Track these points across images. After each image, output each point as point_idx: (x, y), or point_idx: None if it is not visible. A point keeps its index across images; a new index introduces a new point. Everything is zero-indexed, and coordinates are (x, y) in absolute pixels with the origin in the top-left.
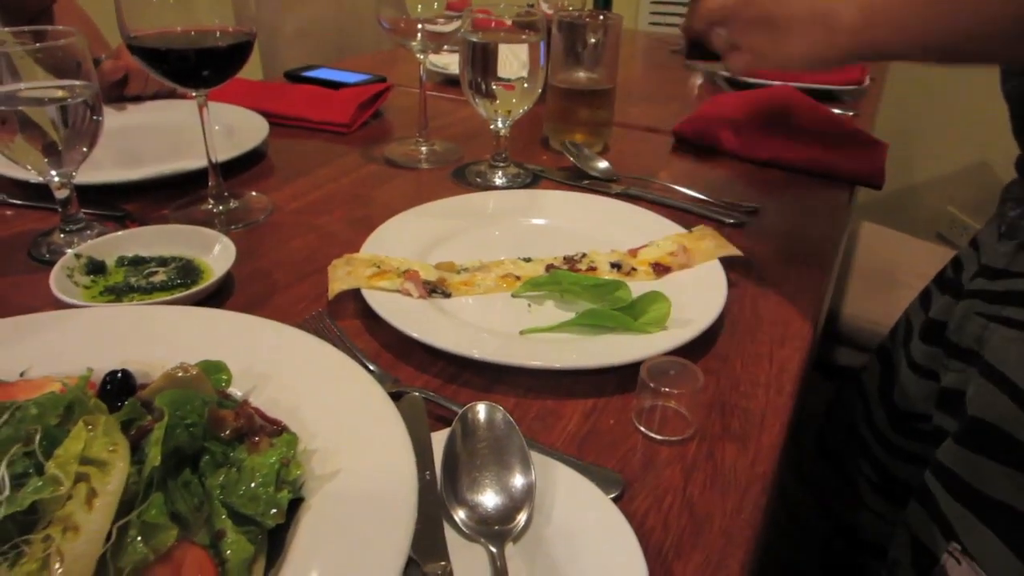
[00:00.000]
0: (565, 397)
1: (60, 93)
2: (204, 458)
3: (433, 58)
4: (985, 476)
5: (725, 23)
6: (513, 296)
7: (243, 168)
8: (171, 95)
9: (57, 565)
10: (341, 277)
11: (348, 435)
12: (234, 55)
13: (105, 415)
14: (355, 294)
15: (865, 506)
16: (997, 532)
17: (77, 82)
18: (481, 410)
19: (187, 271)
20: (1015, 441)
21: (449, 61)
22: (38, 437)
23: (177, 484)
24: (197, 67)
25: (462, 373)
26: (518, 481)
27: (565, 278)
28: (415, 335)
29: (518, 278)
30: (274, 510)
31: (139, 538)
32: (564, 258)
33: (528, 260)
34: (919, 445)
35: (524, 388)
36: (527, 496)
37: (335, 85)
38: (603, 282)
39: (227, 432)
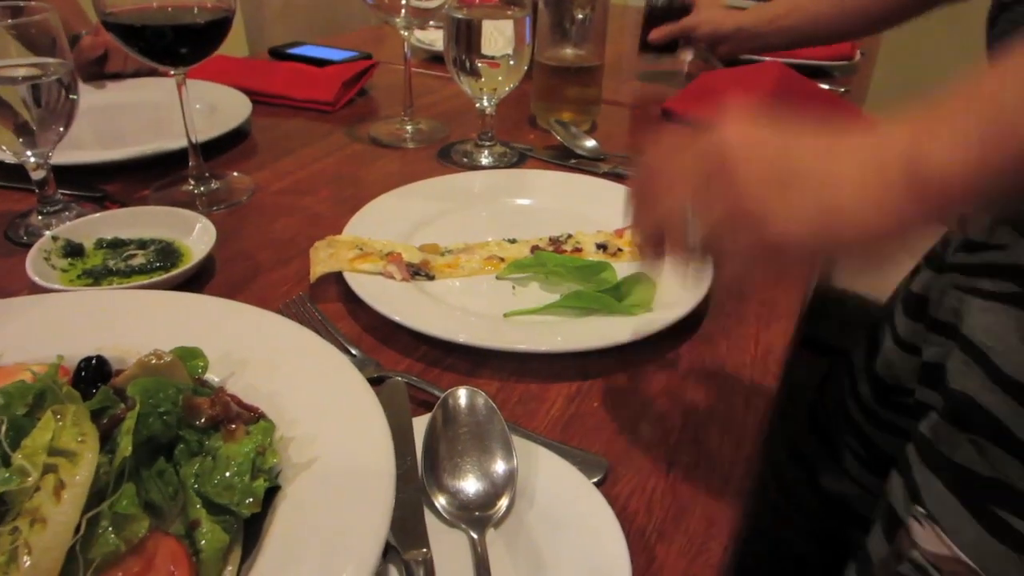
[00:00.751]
0: (549, 380)
1: (33, 71)
2: (179, 447)
3: (419, 34)
4: (955, 445)
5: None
6: (498, 278)
7: (225, 147)
8: (152, 73)
9: (25, 558)
10: (323, 260)
11: (326, 422)
12: (212, 32)
13: (75, 404)
14: (338, 277)
15: (852, 479)
16: (960, 498)
17: (51, 60)
18: (462, 395)
19: (167, 254)
20: (984, 411)
21: (435, 37)
22: (4, 427)
23: (151, 473)
24: (174, 44)
25: (445, 357)
26: (500, 466)
27: (550, 260)
28: (397, 319)
29: (502, 260)
30: (250, 499)
31: (110, 529)
32: (550, 239)
33: (513, 241)
34: (903, 419)
35: (508, 371)
36: (509, 481)
37: (320, 62)
38: (588, 263)
39: (202, 420)
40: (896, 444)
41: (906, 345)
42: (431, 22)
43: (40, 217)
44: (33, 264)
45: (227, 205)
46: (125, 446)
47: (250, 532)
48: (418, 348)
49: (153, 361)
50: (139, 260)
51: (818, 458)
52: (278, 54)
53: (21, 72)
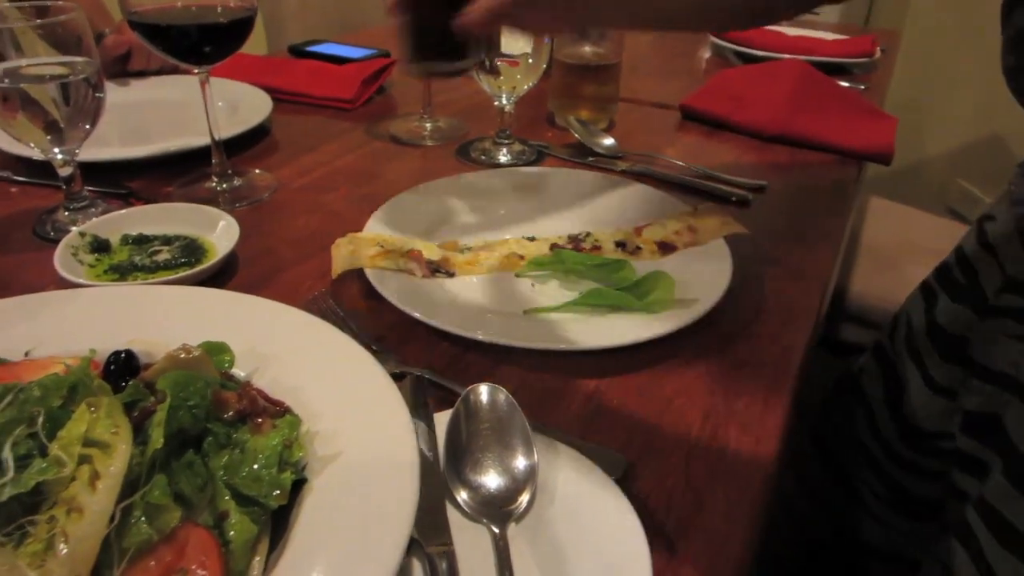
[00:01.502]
0: (569, 377)
1: (61, 70)
2: (207, 439)
3: None
4: None
5: None
6: (517, 276)
7: (247, 145)
8: (175, 70)
9: (62, 545)
10: (344, 256)
11: (350, 416)
12: (236, 31)
13: (108, 396)
14: (359, 273)
15: (872, 516)
16: None
17: (78, 59)
18: (483, 391)
19: (191, 250)
20: None
21: None
22: (41, 419)
23: (181, 465)
24: (198, 43)
25: (466, 354)
26: (520, 462)
27: (569, 258)
28: (418, 315)
29: (522, 257)
30: (277, 491)
31: (143, 519)
32: (568, 237)
33: (532, 239)
34: (937, 462)
35: (527, 369)
36: (529, 477)
37: (339, 60)
38: (607, 261)
39: (230, 413)
40: (929, 488)
41: (937, 386)
42: None
43: (67, 213)
44: (61, 259)
45: (249, 202)
46: (157, 438)
47: (277, 524)
48: (438, 345)
49: (182, 355)
50: (164, 256)
51: (830, 491)
52: (298, 52)
53: (49, 71)
